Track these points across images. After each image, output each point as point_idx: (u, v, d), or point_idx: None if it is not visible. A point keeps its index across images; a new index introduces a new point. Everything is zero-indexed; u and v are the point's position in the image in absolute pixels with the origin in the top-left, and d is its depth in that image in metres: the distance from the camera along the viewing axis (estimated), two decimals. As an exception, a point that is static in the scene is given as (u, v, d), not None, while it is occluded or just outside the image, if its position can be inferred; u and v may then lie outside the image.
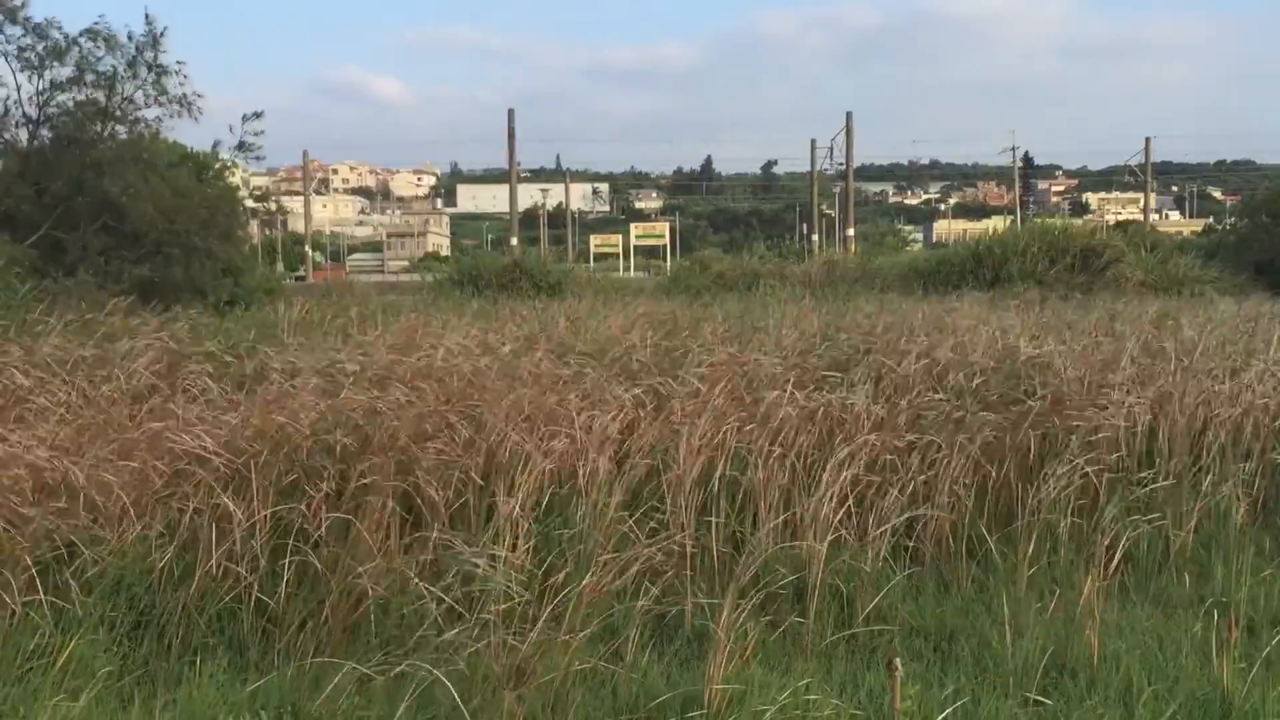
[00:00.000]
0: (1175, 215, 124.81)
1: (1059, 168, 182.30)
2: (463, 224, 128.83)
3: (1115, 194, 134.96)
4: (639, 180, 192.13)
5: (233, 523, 5.08)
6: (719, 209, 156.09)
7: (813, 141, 63.79)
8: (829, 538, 5.29)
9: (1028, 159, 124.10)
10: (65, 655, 4.34)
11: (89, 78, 18.96)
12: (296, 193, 71.76)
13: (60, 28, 18.80)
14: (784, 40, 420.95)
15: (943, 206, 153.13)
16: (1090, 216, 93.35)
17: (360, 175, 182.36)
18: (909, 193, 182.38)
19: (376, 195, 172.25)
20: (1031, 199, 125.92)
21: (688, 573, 5.32)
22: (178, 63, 19.43)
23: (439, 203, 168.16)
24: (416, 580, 4.84)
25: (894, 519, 5.66)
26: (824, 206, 73.11)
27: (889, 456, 6.19)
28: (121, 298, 12.31)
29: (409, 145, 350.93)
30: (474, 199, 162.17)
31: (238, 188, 23.74)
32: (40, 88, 19.02)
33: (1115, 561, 5.55)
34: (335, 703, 4.18)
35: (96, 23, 18.86)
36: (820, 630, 4.98)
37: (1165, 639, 4.91)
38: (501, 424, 6.12)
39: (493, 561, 4.82)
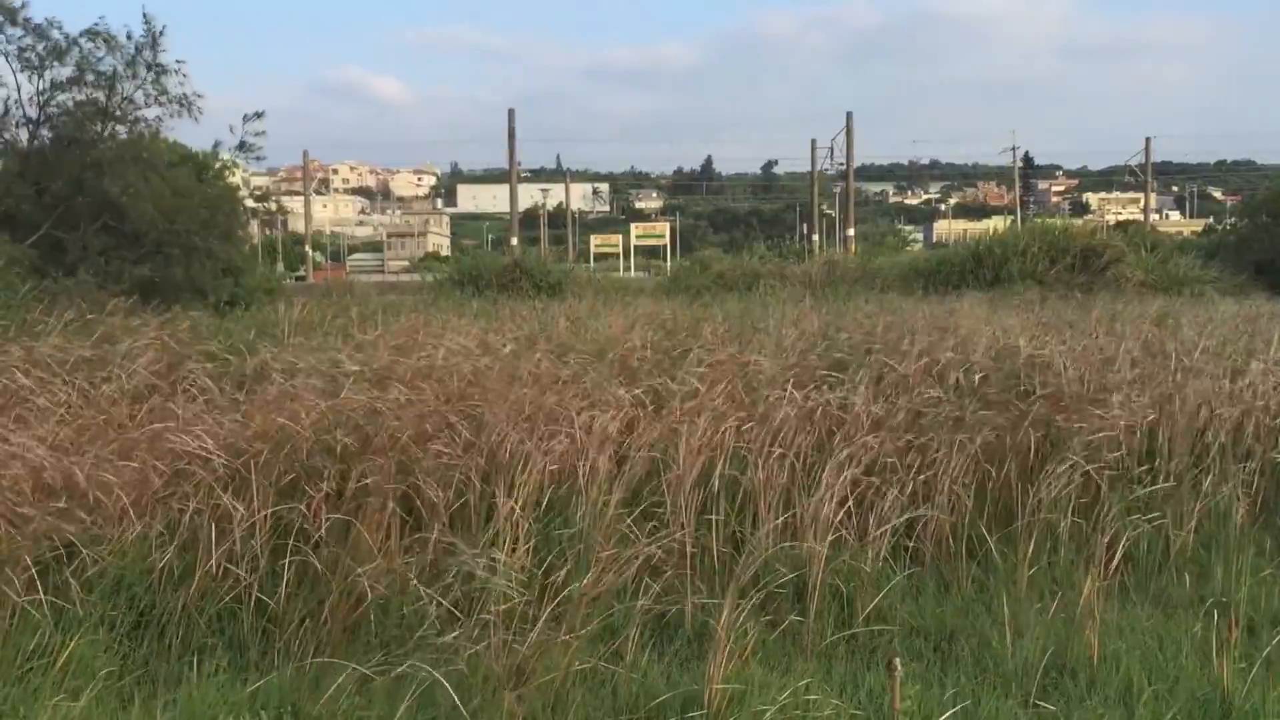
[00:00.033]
0: (1175, 215, 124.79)
1: (1059, 168, 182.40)
2: (463, 224, 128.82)
3: (1115, 194, 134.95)
4: (639, 180, 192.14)
5: (233, 523, 5.08)
6: (719, 209, 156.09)
7: (813, 141, 63.90)
8: (829, 538, 5.29)
9: (1028, 159, 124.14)
10: (65, 655, 4.34)
11: (89, 78, 18.96)
12: (297, 193, 71.75)
13: (60, 27, 18.84)
14: (784, 40, 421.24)
15: (943, 206, 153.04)
16: (1090, 216, 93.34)
17: (360, 175, 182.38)
18: (909, 193, 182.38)
19: (377, 195, 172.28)
20: (1032, 199, 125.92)
21: (688, 572, 5.32)
22: (177, 62, 19.44)
23: (439, 203, 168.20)
24: (415, 582, 4.84)
25: (894, 519, 5.66)
26: (824, 206, 73.09)
27: (889, 460, 6.19)
28: (122, 298, 12.31)
29: (409, 145, 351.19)
30: (474, 199, 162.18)
31: (238, 188, 23.73)
32: (40, 88, 19.04)
33: (1115, 561, 5.55)
34: (335, 703, 4.18)
35: (96, 24, 18.91)
36: (820, 630, 4.98)
37: (1165, 639, 4.91)
38: (502, 424, 6.12)
39: (492, 563, 4.81)
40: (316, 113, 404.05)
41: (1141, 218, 62.03)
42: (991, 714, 4.27)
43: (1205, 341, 9.25)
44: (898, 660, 4.22)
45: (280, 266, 52.83)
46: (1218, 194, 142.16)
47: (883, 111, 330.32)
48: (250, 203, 25.40)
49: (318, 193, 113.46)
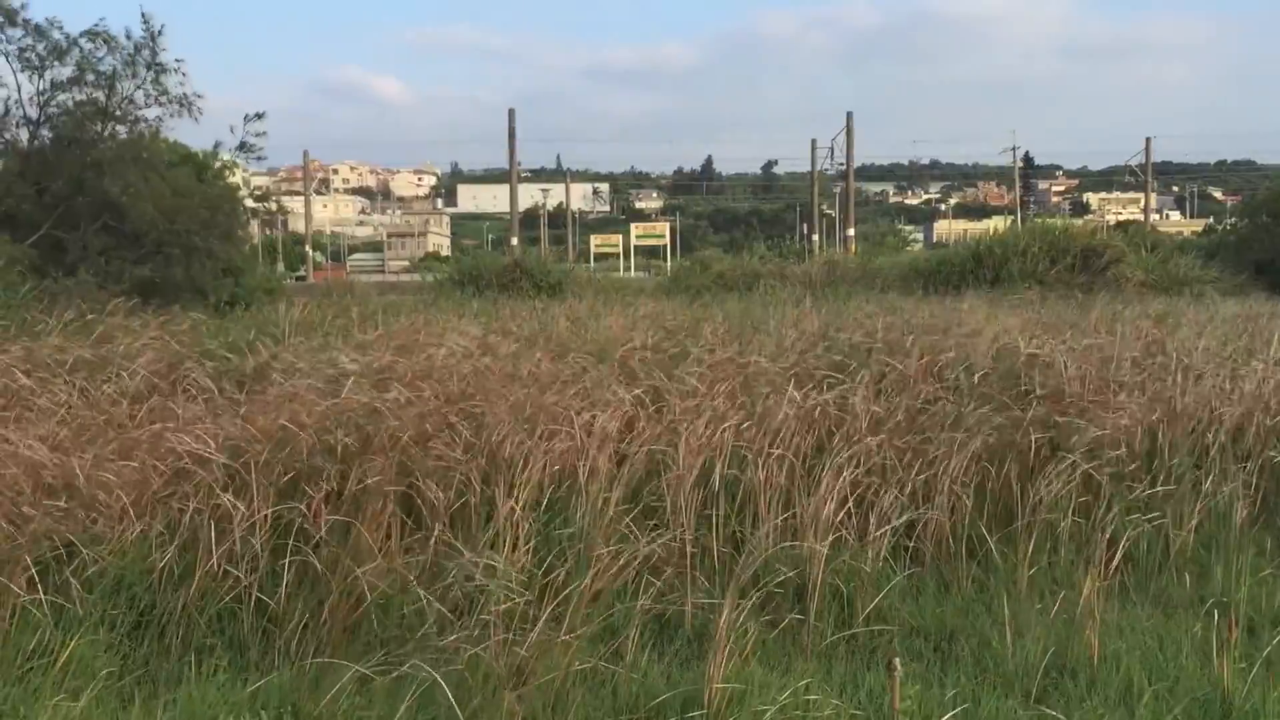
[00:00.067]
0: (1176, 215, 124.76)
1: (1059, 168, 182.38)
2: (463, 224, 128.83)
3: (1116, 194, 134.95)
4: (639, 180, 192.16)
5: (233, 522, 5.08)
6: (719, 209, 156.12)
7: (813, 141, 63.94)
8: (829, 537, 5.29)
9: (1028, 159, 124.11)
10: (66, 655, 4.34)
11: (89, 78, 18.97)
12: (297, 193, 71.75)
13: (61, 27, 18.85)
14: (784, 40, 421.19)
15: (943, 206, 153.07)
16: (1091, 217, 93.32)
17: (361, 175, 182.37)
18: (909, 193, 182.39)
19: (377, 195, 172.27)
20: (1032, 199, 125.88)
21: (688, 572, 5.32)
22: (176, 61, 19.45)
23: (439, 203, 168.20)
24: (414, 584, 4.84)
25: (894, 520, 5.66)
26: (824, 206, 73.11)
27: (889, 461, 6.19)
28: (122, 298, 12.31)
29: (409, 145, 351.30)
30: (474, 199, 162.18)
31: (238, 187, 23.72)
32: (41, 88, 19.06)
33: (1115, 561, 5.55)
34: (335, 703, 4.18)
35: (97, 25, 18.93)
36: (820, 630, 4.98)
37: (1166, 639, 4.91)
38: (503, 423, 6.12)
39: (491, 566, 4.81)
40: (316, 113, 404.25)
41: (1142, 218, 62.06)
42: (991, 714, 4.27)
43: (1205, 341, 9.26)
44: (898, 660, 4.22)
45: (280, 266, 52.83)
46: (1218, 194, 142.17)
47: (883, 111, 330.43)
48: (250, 203, 25.38)
49: (318, 193, 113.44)
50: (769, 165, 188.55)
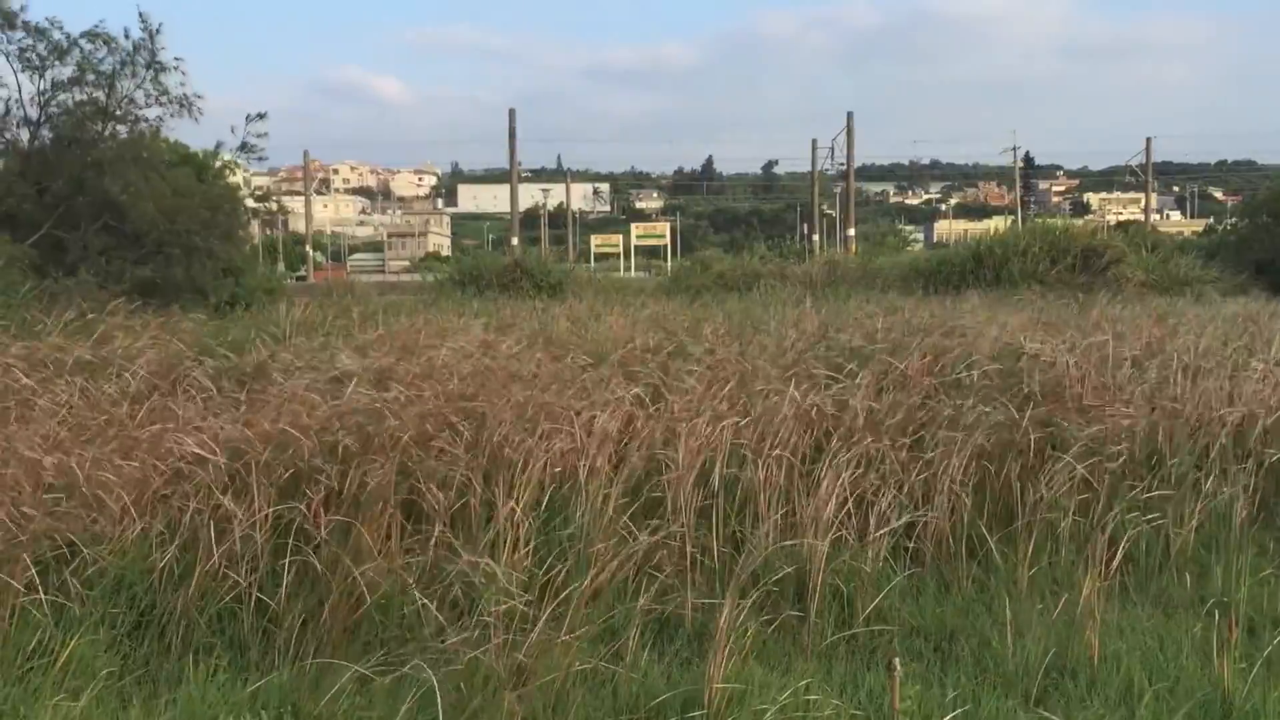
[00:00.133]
0: (1176, 215, 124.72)
1: (1060, 168, 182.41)
2: (463, 224, 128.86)
3: (1116, 194, 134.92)
4: (639, 180, 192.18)
5: (233, 522, 5.08)
6: (720, 209, 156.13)
7: (813, 141, 63.97)
8: (829, 537, 5.29)
9: (1028, 159, 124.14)
10: (66, 655, 4.34)
11: (89, 77, 18.98)
12: (297, 193, 71.75)
13: (61, 27, 18.86)
14: (784, 40, 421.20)
15: (943, 207, 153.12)
16: (1091, 217, 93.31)
17: (361, 175, 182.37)
18: (910, 193, 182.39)
19: (377, 195, 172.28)
20: (1032, 199, 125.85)
21: (688, 572, 5.32)
22: (175, 59, 19.46)
23: (440, 203, 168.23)
24: (414, 586, 4.83)
25: (894, 521, 5.65)
26: (825, 206, 73.11)
27: (888, 464, 6.18)
28: (122, 298, 12.32)
29: (409, 145, 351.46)
30: (475, 199, 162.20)
31: (238, 187, 23.73)
32: (41, 88, 19.07)
33: (1116, 561, 5.54)
34: (335, 703, 4.18)
35: (97, 26, 18.96)
36: (820, 630, 4.98)
37: (1166, 639, 4.91)
38: (505, 423, 6.12)
39: (490, 569, 4.81)
40: (316, 113, 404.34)
41: (1142, 218, 62.06)
42: (992, 714, 4.27)
43: (1206, 341, 9.26)
44: (898, 660, 4.22)
45: (281, 266, 52.85)
46: (1218, 194, 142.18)
47: (883, 111, 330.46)
48: (251, 203, 25.40)
49: (318, 193, 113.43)
50: (769, 165, 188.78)
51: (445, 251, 79.33)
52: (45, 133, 19.37)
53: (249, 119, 20.66)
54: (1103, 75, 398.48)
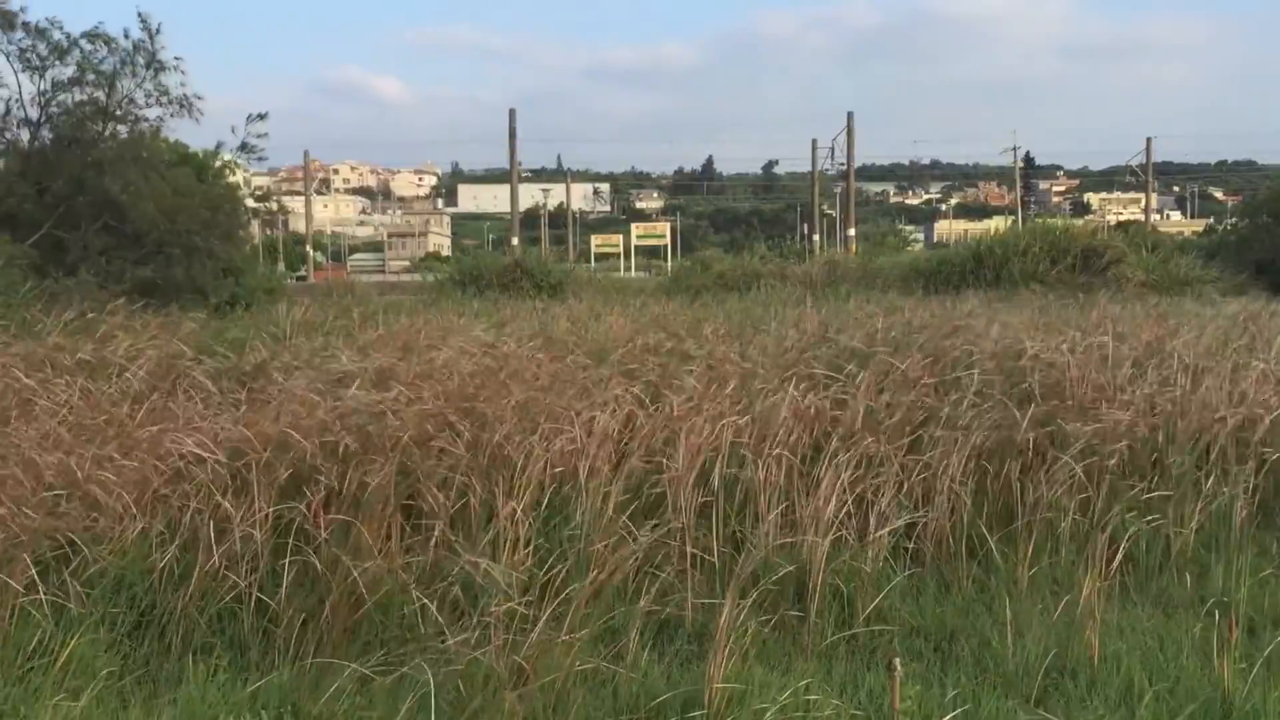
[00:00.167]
0: (1176, 215, 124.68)
1: (1060, 168, 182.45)
2: (464, 224, 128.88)
3: (1116, 194, 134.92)
4: (640, 180, 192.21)
5: (233, 522, 5.08)
6: (720, 209, 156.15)
7: (814, 141, 63.93)
8: (829, 537, 5.29)
9: (1029, 159, 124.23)
10: (66, 654, 4.34)
11: (90, 77, 18.98)
12: (297, 193, 71.75)
13: (61, 27, 18.86)
14: (784, 40, 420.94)
15: (944, 207, 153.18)
16: (1091, 217, 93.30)
17: (361, 175, 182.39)
18: (910, 193, 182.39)
19: (377, 195, 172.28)
20: (1033, 199, 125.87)
21: (688, 572, 5.32)
22: (175, 59, 19.46)
23: (440, 203, 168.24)
24: (414, 587, 4.83)
25: (894, 521, 5.65)
26: (825, 206, 73.10)
27: (888, 463, 6.18)
28: (123, 298, 12.32)
29: (410, 145, 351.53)
30: (475, 199, 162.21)
31: (239, 187, 23.72)
32: (41, 88, 19.07)
33: (1116, 562, 5.54)
34: (335, 703, 4.18)
35: (96, 28, 18.97)
36: (820, 630, 4.98)
37: (1166, 639, 4.91)
38: (506, 422, 6.12)
39: (492, 568, 4.81)
40: (317, 113, 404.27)
41: (1142, 218, 62.07)
42: (992, 714, 4.27)
43: (1206, 341, 9.25)
44: (898, 660, 4.22)
45: (281, 266, 52.85)
46: (1219, 194, 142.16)
47: (883, 111, 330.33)
48: (251, 203, 25.40)
49: (318, 193, 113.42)
50: (769, 165, 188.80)
51: (445, 251, 79.34)
52: (45, 133, 19.37)
53: (249, 119, 20.67)
54: (1103, 75, 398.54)
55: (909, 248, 62.04)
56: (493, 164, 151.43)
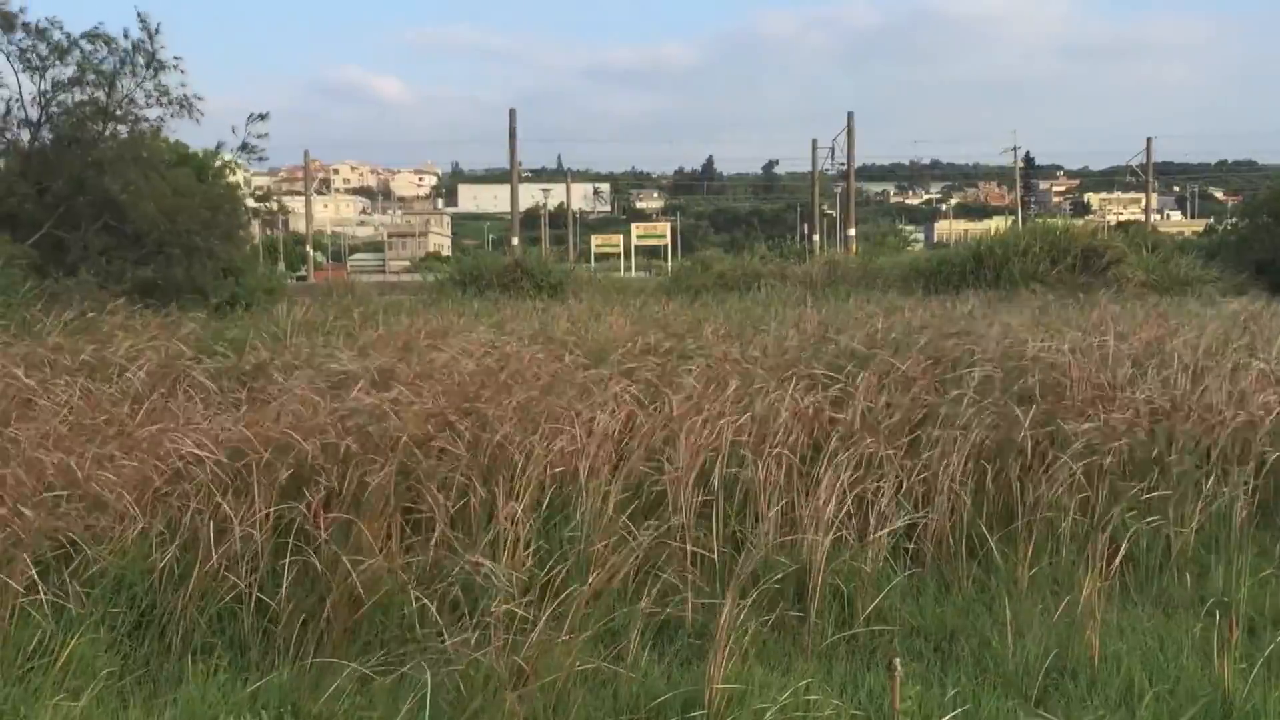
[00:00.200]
0: (1176, 215, 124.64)
1: (1060, 168, 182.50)
2: (464, 224, 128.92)
3: (1117, 194, 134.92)
4: (640, 180, 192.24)
5: (233, 523, 5.08)
6: (720, 209, 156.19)
7: (814, 141, 63.93)
8: (829, 537, 5.29)
9: (1029, 159, 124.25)
10: (66, 654, 4.34)
11: (90, 77, 18.98)
12: (298, 193, 71.77)
13: (61, 27, 18.87)
14: (784, 40, 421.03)
15: (944, 207, 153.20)
16: (1091, 217, 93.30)
17: (361, 175, 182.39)
18: (910, 193, 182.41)
19: (377, 195, 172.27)
20: (1033, 199, 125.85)
21: (688, 572, 5.32)
22: (175, 58, 19.45)
23: (440, 203, 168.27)
24: (414, 587, 4.83)
25: (894, 521, 5.65)
26: (825, 206, 73.12)
27: (888, 463, 6.18)
28: (123, 298, 12.33)
29: (410, 145, 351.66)
30: (475, 199, 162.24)
31: (239, 187, 23.72)
32: (42, 88, 19.07)
33: (1116, 562, 5.54)
34: (335, 703, 4.18)
35: (96, 28, 18.98)
36: (820, 630, 4.98)
37: (1166, 639, 4.91)
38: (507, 424, 6.12)
39: (493, 569, 4.81)
40: (317, 113, 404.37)
41: (1143, 218, 62.08)
42: (992, 715, 4.27)
43: (1207, 340, 9.25)
44: (898, 660, 4.22)
45: (281, 266, 52.85)
46: (1219, 194, 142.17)
47: (883, 111, 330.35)
48: (251, 203, 25.40)
49: (319, 193, 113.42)
50: (770, 165, 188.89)
51: (445, 251, 79.36)
52: (46, 133, 19.37)
53: (250, 119, 20.66)
54: (1103, 75, 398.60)
55: (909, 248, 62.03)
56: (493, 164, 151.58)
